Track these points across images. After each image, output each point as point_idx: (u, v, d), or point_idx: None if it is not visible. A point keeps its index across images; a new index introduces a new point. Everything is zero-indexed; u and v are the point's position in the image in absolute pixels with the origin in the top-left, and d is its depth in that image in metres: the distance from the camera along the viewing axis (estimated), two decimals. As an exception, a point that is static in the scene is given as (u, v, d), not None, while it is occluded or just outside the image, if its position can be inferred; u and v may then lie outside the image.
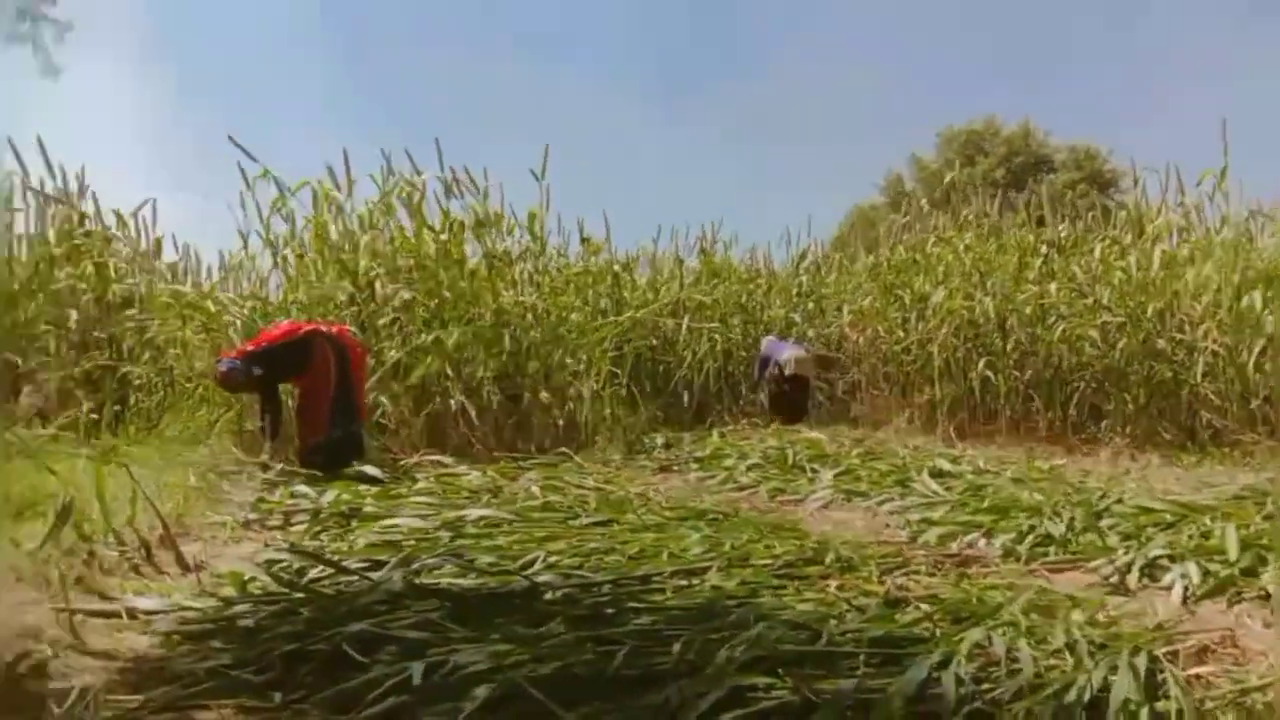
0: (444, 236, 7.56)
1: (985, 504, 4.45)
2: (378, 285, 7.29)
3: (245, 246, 7.71)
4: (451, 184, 7.75)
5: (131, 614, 2.97)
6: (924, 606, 2.68)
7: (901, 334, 8.91)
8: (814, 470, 5.81)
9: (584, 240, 9.16)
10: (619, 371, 7.98)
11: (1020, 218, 9.28)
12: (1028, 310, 8.19)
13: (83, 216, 7.36)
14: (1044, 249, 8.65)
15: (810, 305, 10.45)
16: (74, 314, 6.69)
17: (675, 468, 6.36)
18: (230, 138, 6.88)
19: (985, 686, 2.13)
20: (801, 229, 11.35)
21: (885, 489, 5.18)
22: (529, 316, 7.37)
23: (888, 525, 4.42)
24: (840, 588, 2.97)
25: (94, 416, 6.06)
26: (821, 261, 11.37)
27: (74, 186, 7.36)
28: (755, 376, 8.93)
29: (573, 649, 2.39)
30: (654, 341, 9.04)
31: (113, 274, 7.41)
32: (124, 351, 7.01)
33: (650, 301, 9.10)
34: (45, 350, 6.88)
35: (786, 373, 8.57)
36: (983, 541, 3.87)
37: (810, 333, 9.98)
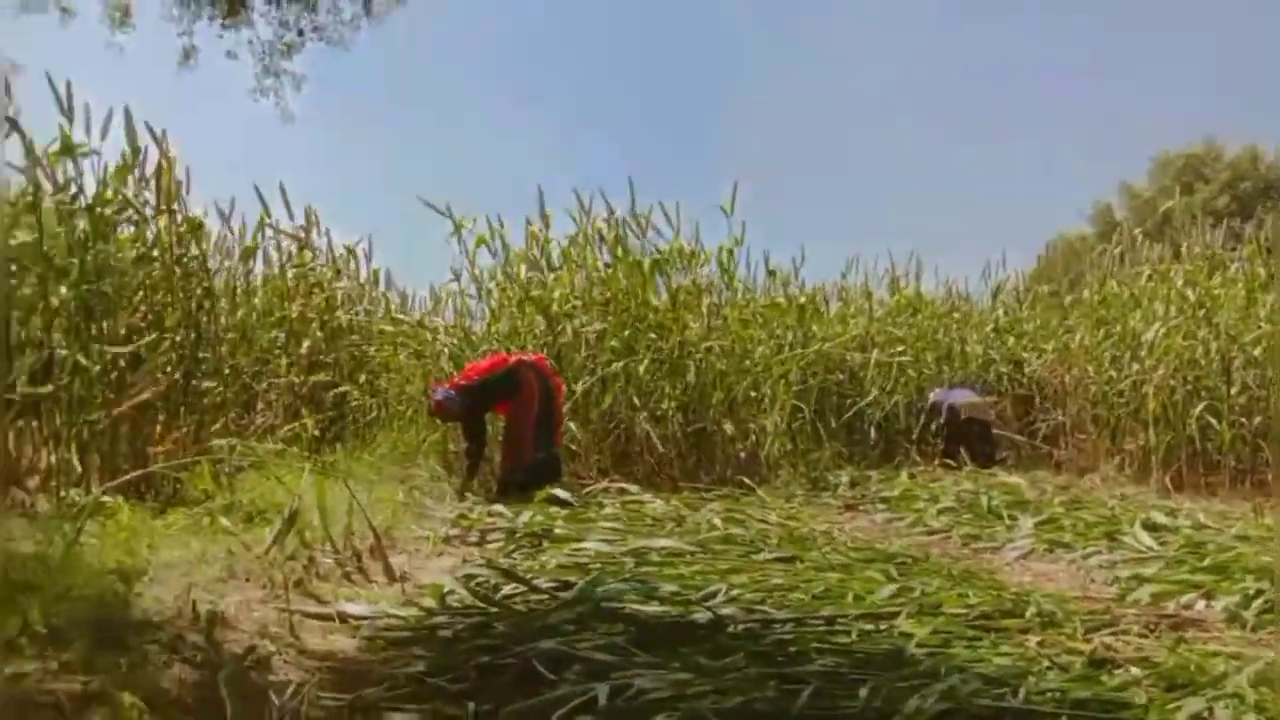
0: (635, 271, 7.76)
1: (1205, 562, 4.08)
2: (569, 321, 7.55)
3: (457, 280, 8.16)
4: (645, 220, 7.95)
5: (343, 618, 3.19)
6: (1134, 670, 2.49)
7: (1113, 374, 8.35)
8: (1012, 518, 5.50)
9: (770, 273, 9.13)
10: (803, 405, 7.86)
11: (1249, 249, 8.52)
12: (1257, 351, 7.49)
13: (315, 252, 8.00)
14: (1275, 283, 7.90)
15: (1011, 341, 9.95)
16: (306, 341, 7.26)
17: (861, 507, 6.21)
18: (420, 198, 7.35)
19: (1204, 762, 1.96)
20: (999, 260, 10.76)
21: (1092, 541, 4.84)
22: (714, 349, 7.40)
23: (1093, 580, 4.14)
24: (1041, 644, 2.81)
25: (316, 433, 6.55)
26: (1023, 295, 10.84)
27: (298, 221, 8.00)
28: (921, 428, 8.56)
29: (755, 684, 2.38)
30: (840, 376, 8.86)
31: (339, 303, 8.01)
32: (344, 374, 7.54)
33: (838, 335, 8.94)
34: (277, 372, 7.50)
35: (962, 416, 8.21)
36: (1202, 603, 3.55)
37: (1003, 371, 9.51)
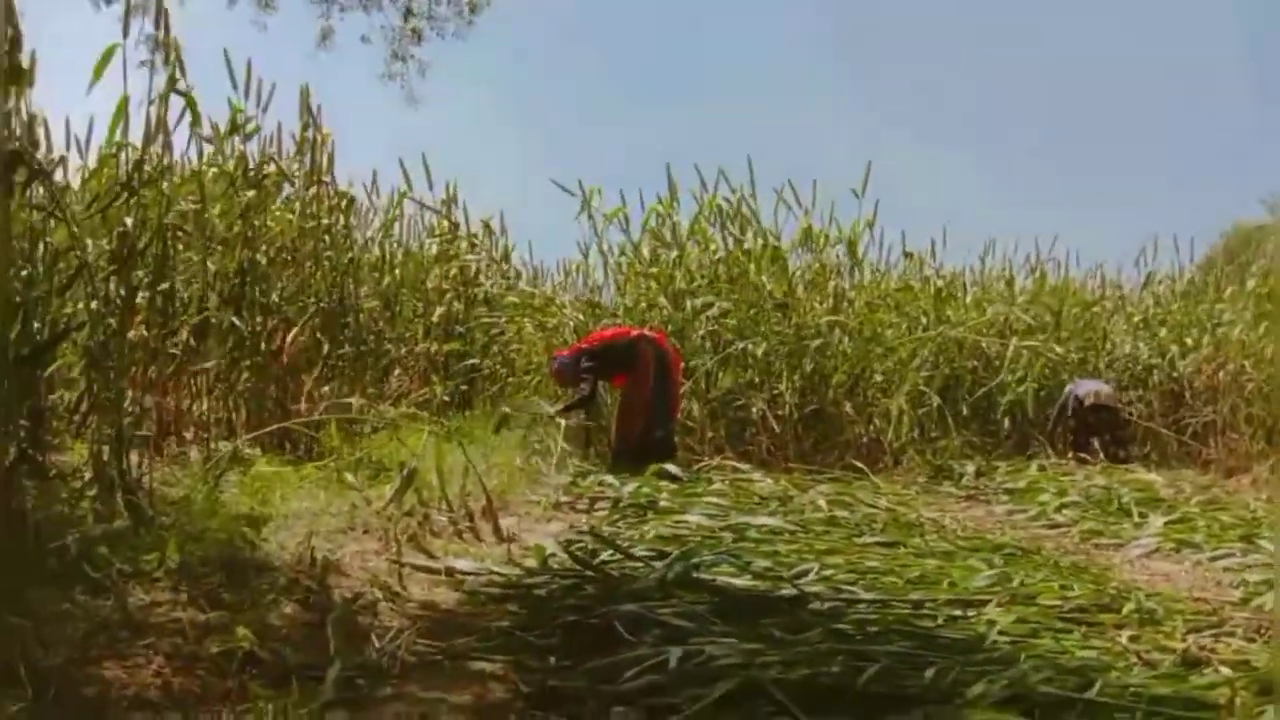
0: (759, 250, 7.77)
1: (1346, 573, 3.82)
2: (694, 296, 7.63)
3: (585, 256, 8.36)
4: (778, 198, 7.94)
5: (450, 573, 3.40)
6: (1226, 670, 2.40)
7: (1272, 371, 7.81)
8: (1142, 515, 5.26)
9: (906, 255, 8.94)
10: (930, 391, 7.70)
11: None
12: None
13: (454, 225, 8.36)
14: None
15: (1163, 333, 9.40)
16: (439, 309, 7.61)
17: (983, 497, 6.07)
18: (552, 180, 7.55)
19: (1281, 770, 1.89)
20: (1157, 246, 10.12)
21: (1225, 543, 4.59)
22: (836, 330, 7.33)
23: (1218, 583, 3.94)
24: (1134, 640, 2.73)
25: (445, 398, 6.88)
26: (1179, 285, 10.22)
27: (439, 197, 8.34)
28: (1053, 421, 8.17)
29: (824, 658, 2.42)
30: (974, 363, 8.60)
31: (474, 275, 8.35)
32: (474, 343, 7.87)
33: (974, 320, 8.67)
34: (415, 339, 7.90)
35: (1086, 404, 7.81)
36: (1334, 614, 3.34)
37: (1152, 363, 9.00)
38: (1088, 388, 7.99)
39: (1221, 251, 16.25)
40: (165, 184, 5.83)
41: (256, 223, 5.96)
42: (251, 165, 5.97)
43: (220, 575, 2.83)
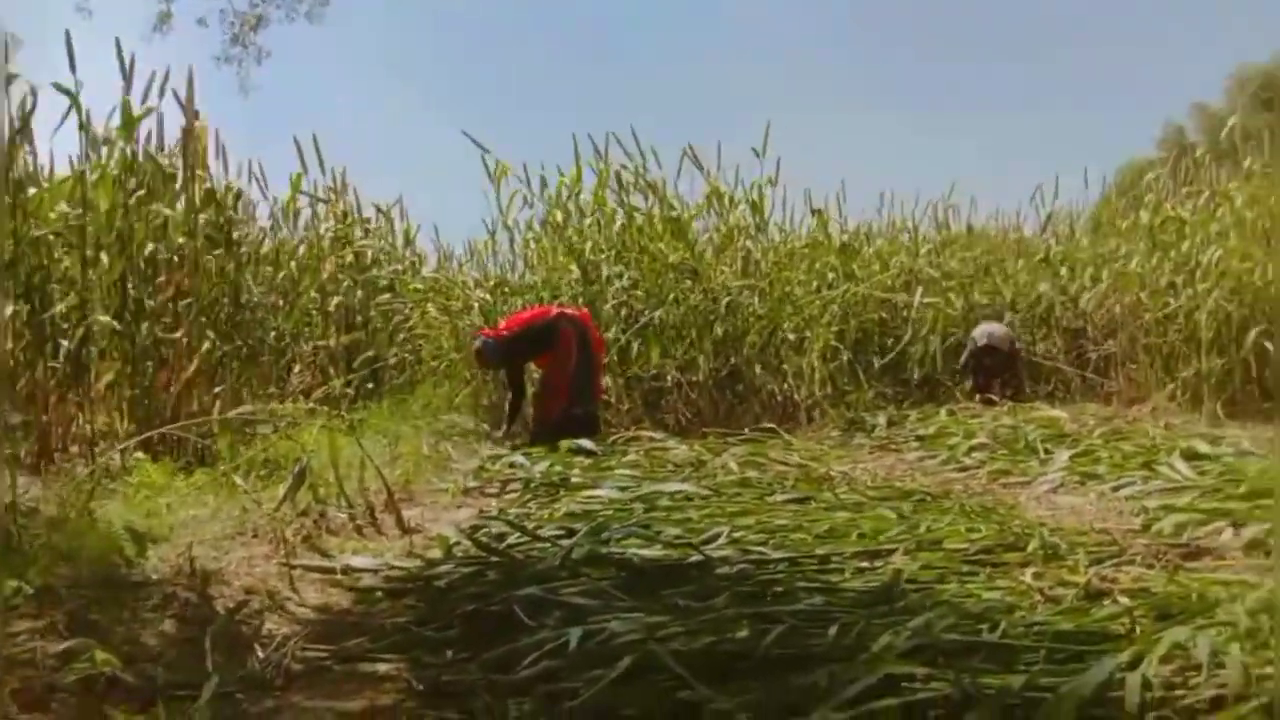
0: (671, 215, 7.69)
1: (1241, 490, 3.91)
2: (603, 267, 7.52)
3: (492, 234, 8.15)
4: (680, 162, 7.84)
5: (346, 571, 3.24)
6: (1125, 600, 2.39)
7: (1168, 300, 8.02)
8: (1048, 451, 5.34)
9: (814, 212, 8.93)
10: (841, 346, 7.73)
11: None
12: (1320, 270, 7.11)
13: (345, 211, 8.07)
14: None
15: (1063, 272, 9.59)
16: (335, 299, 7.35)
17: (893, 446, 6.09)
18: (465, 132, 7.31)
19: (1178, 693, 1.88)
20: (1051, 189, 10.33)
21: (1127, 472, 4.68)
22: (746, 292, 7.30)
23: (1120, 513, 4.00)
24: (1038, 577, 2.72)
25: (349, 392, 6.65)
26: (1077, 224, 10.44)
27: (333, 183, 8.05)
28: (961, 366, 8.28)
29: (729, 625, 2.35)
30: (883, 315, 8.66)
31: (370, 262, 8.08)
32: (376, 332, 7.63)
33: (879, 274, 8.73)
34: (314, 333, 7.63)
35: (979, 345, 7.95)
36: (1230, 533, 3.41)
37: (1056, 300, 9.18)
38: (982, 330, 8.10)
39: (1114, 188, 16.70)
40: (34, 189, 5.56)
41: (139, 223, 5.65)
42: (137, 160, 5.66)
43: (89, 595, 2.64)
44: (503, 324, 6.56)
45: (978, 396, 7.76)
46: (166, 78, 5.72)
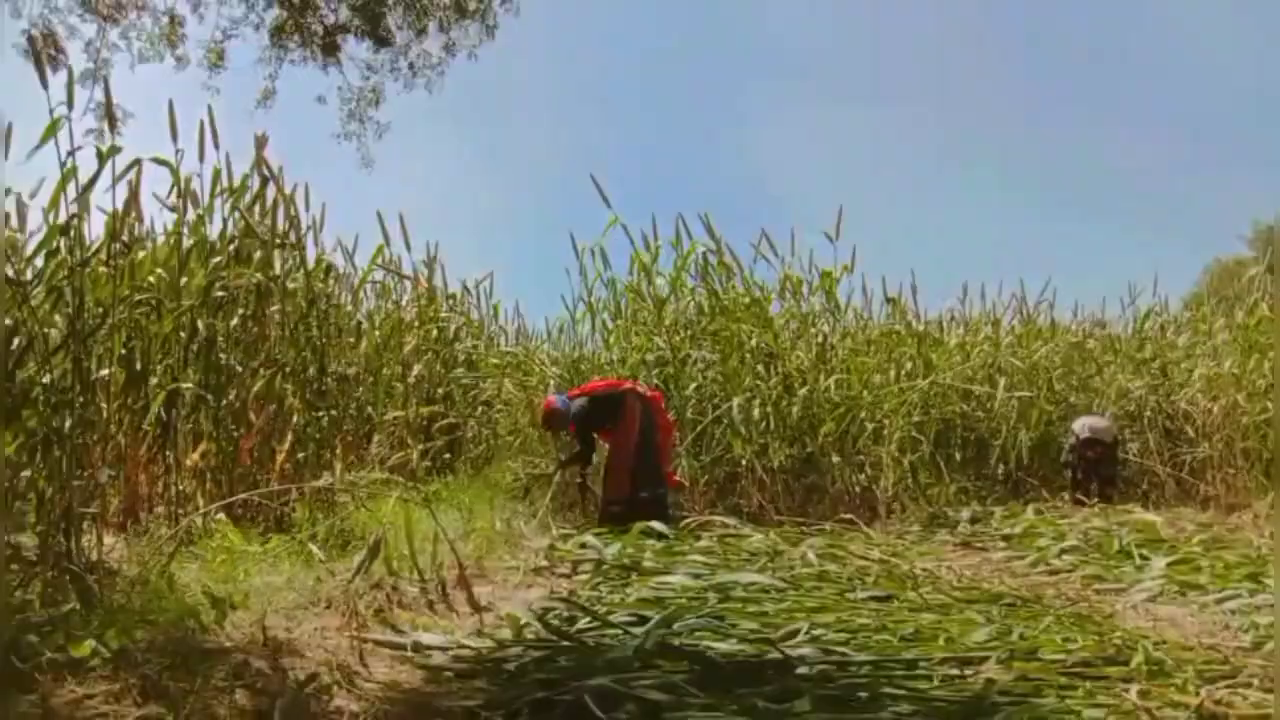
0: (746, 300, 7.67)
1: (1361, 610, 3.64)
2: (675, 352, 7.50)
3: (572, 312, 8.23)
4: (757, 248, 7.87)
5: (416, 648, 3.18)
6: (1245, 729, 2.21)
7: (1267, 404, 7.66)
8: (1144, 557, 5.07)
9: (889, 300, 8.84)
10: (922, 438, 7.53)
11: None
12: None
13: (431, 288, 8.23)
14: None
15: (1155, 371, 9.27)
16: (416, 368, 7.45)
17: (978, 544, 5.86)
18: (592, 177, 7.36)
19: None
20: (1145, 285, 10.07)
21: (1231, 584, 4.41)
22: (822, 378, 7.19)
23: (1226, 627, 3.74)
24: (1143, 695, 2.54)
25: (427, 463, 6.68)
26: (1169, 323, 10.12)
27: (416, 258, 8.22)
28: (1064, 456, 7.98)
29: (811, 730, 2.23)
30: (965, 407, 8.44)
31: (452, 337, 8.20)
32: (454, 404, 7.70)
33: (960, 364, 8.54)
34: (394, 404, 7.72)
35: (1081, 438, 7.66)
36: (1351, 656, 3.15)
37: (1148, 399, 8.84)
38: (1084, 422, 7.84)
39: (1205, 287, 16.24)
40: (140, 252, 5.78)
41: (224, 289, 5.82)
42: (232, 229, 5.86)
43: (164, 661, 2.63)
44: (574, 390, 6.58)
45: (1074, 494, 7.47)
46: (262, 144, 5.92)
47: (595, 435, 6.45)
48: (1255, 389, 7.85)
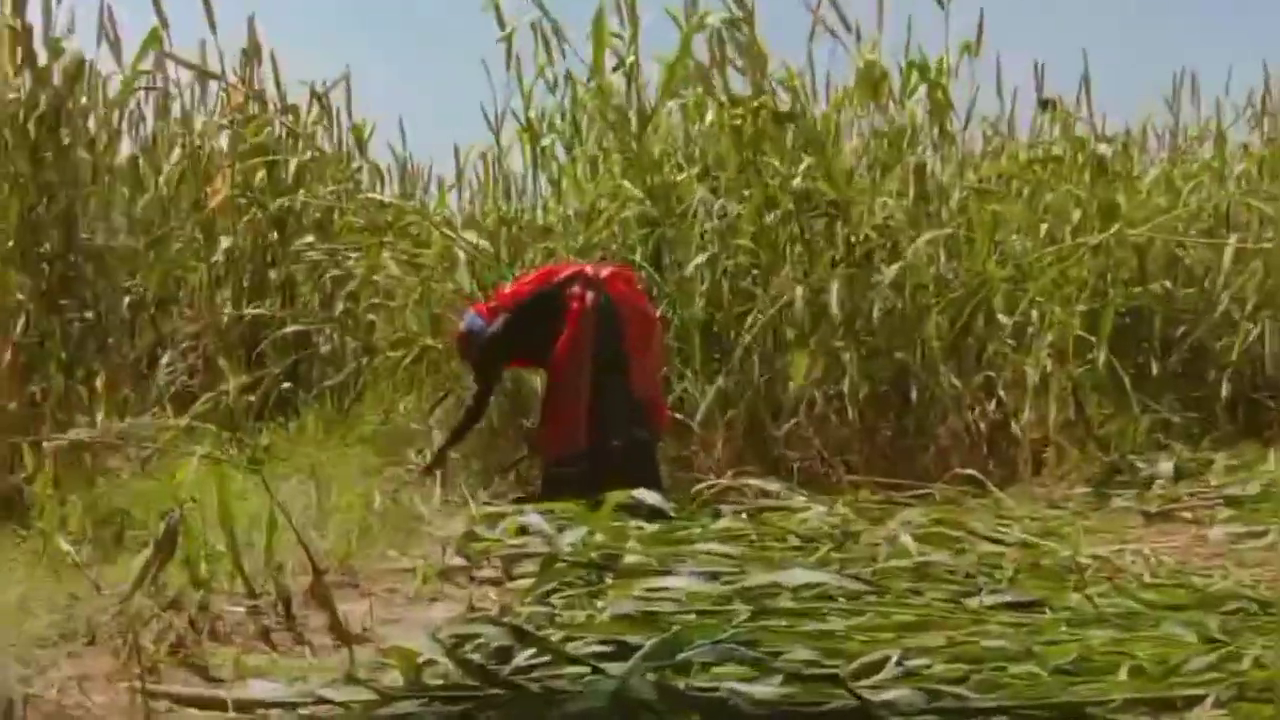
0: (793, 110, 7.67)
1: None
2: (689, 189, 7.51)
3: (497, 136, 8.16)
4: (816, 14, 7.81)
5: (241, 706, 3.24)
6: None
7: None
8: None
9: (1042, 104, 8.85)
10: (1096, 340, 7.61)
11: None
12: None
13: (248, 96, 8.19)
14: None
15: None
16: (229, 237, 7.45)
17: (1186, 515, 6.04)
18: None
19: None
20: None
21: None
22: (923, 243, 7.24)
23: None
24: None
25: (249, 400, 6.74)
26: None
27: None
28: None
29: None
30: (1167, 285, 8.52)
31: (292, 179, 8.19)
32: (299, 301, 7.74)
33: (1162, 211, 8.59)
34: (197, 297, 7.76)
35: None
36: None
37: None
38: None
39: None
40: None
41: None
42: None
43: None
44: (507, 288, 6.63)
45: None
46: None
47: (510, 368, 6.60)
48: None
